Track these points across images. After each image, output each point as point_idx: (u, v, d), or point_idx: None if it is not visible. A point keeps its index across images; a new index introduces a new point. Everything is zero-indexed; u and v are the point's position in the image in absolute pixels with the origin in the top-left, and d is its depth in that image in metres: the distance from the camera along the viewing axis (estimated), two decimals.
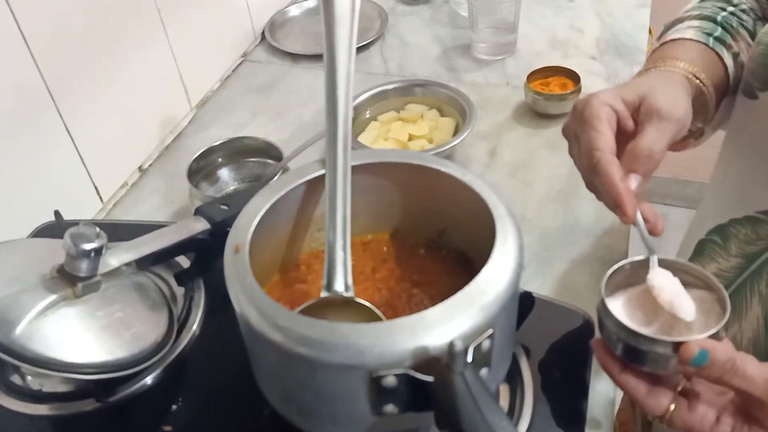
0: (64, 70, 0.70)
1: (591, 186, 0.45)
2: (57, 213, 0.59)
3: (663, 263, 0.43)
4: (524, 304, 0.53)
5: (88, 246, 0.47)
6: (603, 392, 0.55)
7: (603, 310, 0.42)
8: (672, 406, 0.39)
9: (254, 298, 0.40)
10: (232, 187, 0.78)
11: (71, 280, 0.48)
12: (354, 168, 0.48)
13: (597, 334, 0.44)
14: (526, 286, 0.59)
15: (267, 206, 0.45)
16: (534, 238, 0.71)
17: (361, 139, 0.80)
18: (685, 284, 0.43)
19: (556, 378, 0.53)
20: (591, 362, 0.55)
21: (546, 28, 1.04)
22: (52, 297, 0.47)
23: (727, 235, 0.51)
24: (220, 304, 0.58)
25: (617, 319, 0.41)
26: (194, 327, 0.57)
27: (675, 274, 0.43)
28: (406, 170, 0.50)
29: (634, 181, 0.42)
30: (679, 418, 0.39)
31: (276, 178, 0.72)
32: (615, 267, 0.44)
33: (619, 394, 0.76)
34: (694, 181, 1.83)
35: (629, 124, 0.44)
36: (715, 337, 0.39)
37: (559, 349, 0.55)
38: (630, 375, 0.41)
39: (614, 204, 0.42)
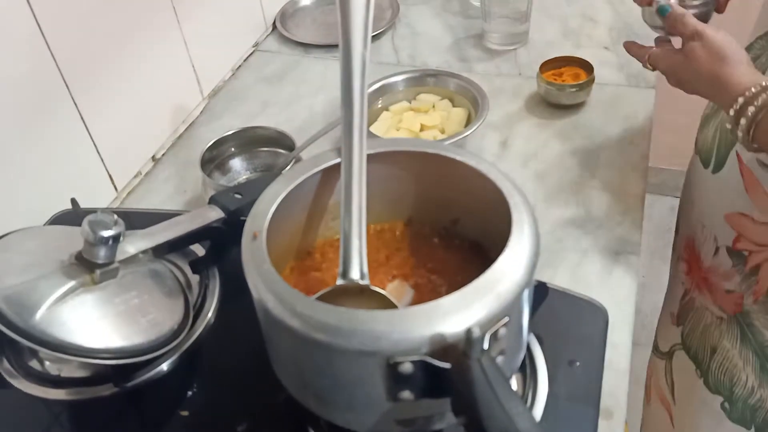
0: (79, 60, 0.70)
1: None
2: (74, 201, 0.60)
3: None
4: (538, 293, 0.53)
5: (106, 233, 0.48)
6: (615, 383, 0.56)
7: None
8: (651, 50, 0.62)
9: (272, 284, 0.40)
10: (244, 177, 0.78)
11: (89, 267, 0.49)
12: (368, 156, 0.48)
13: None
14: (537, 276, 0.59)
15: (284, 193, 0.46)
16: (545, 229, 0.71)
17: (373, 129, 0.80)
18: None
19: (570, 368, 0.53)
20: (604, 353, 0.55)
21: (558, 17, 1.04)
22: (71, 283, 0.48)
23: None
24: (235, 291, 0.59)
25: None
26: (209, 314, 0.57)
27: None
28: (421, 159, 0.50)
29: None
30: (652, 53, 0.62)
31: (288, 167, 0.73)
32: None
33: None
34: None
35: None
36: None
37: (572, 339, 0.55)
38: (630, 42, 0.66)
39: None
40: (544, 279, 0.60)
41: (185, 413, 0.52)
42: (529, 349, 0.53)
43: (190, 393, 0.53)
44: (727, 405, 0.71)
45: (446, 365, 0.36)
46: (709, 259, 0.70)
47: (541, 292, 0.55)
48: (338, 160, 0.48)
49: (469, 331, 0.35)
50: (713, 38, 0.56)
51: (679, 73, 0.59)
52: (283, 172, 0.58)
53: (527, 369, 0.52)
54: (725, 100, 0.54)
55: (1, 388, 0.52)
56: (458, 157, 0.48)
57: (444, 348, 0.37)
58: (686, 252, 0.75)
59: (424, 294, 0.51)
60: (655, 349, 0.83)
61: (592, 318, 0.57)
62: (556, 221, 0.72)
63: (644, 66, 0.63)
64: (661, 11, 0.60)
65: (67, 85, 0.69)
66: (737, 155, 0.62)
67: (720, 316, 0.69)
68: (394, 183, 0.52)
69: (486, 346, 0.37)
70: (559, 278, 0.65)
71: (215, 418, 0.52)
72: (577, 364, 0.53)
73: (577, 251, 0.68)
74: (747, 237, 0.64)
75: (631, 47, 0.65)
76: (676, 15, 0.59)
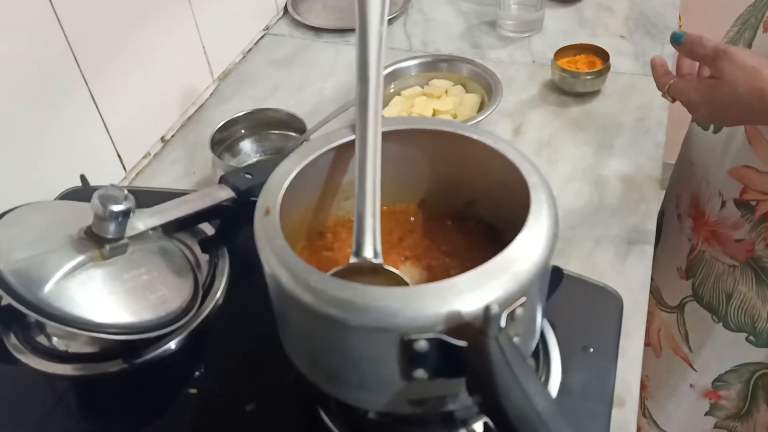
0: (92, 41, 0.69)
1: None
2: (83, 177, 0.59)
3: None
4: (552, 278, 0.53)
5: (116, 208, 0.47)
6: (628, 371, 0.55)
7: None
8: (672, 81, 0.58)
9: (285, 259, 0.39)
10: (254, 159, 0.78)
11: (99, 242, 0.48)
12: (383, 134, 0.47)
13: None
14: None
15: (297, 169, 0.45)
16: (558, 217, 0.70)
17: (385, 113, 0.79)
18: None
19: (583, 354, 0.52)
20: (619, 339, 0.54)
21: (573, 6, 1.02)
22: (80, 258, 0.48)
23: None
24: (244, 271, 0.58)
25: None
26: (218, 294, 0.57)
27: None
28: (437, 138, 0.49)
29: None
30: (672, 84, 0.58)
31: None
32: None
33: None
34: None
35: None
36: None
37: (586, 326, 0.54)
38: (658, 60, 0.60)
39: None
40: None
41: (193, 391, 0.51)
42: (542, 335, 0.52)
43: (198, 371, 0.53)
44: (752, 338, 0.74)
45: (462, 343, 0.36)
46: (715, 214, 0.73)
47: (556, 277, 0.54)
48: (352, 137, 0.48)
49: (487, 308, 0.34)
50: (740, 54, 0.52)
51: (714, 100, 0.54)
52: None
53: (540, 354, 0.52)
54: None
55: (9, 363, 0.52)
56: (475, 136, 0.47)
57: (460, 326, 0.36)
58: (691, 209, 0.77)
59: (437, 276, 0.50)
60: (661, 304, 0.85)
61: (606, 304, 0.56)
62: (569, 209, 0.71)
63: (663, 96, 0.59)
64: (676, 39, 0.56)
65: (78, 66, 0.68)
66: None
67: (732, 264, 0.73)
68: (408, 163, 0.52)
69: (503, 324, 0.36)
70: (571, 266, 0.64)
71: (223, 397, 0.51)
72: (591, 350, 0.52)
73: (590, 239, 0.68)
74: (753, 187, 0.67)
75: (656, 68, 0.60)
76: (693, 38, 0.55)
